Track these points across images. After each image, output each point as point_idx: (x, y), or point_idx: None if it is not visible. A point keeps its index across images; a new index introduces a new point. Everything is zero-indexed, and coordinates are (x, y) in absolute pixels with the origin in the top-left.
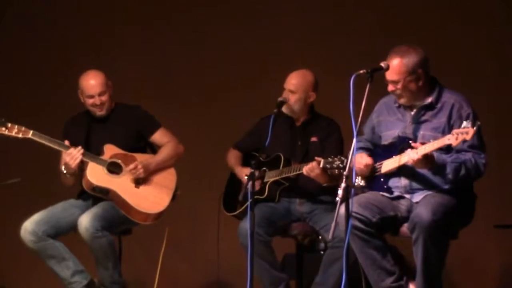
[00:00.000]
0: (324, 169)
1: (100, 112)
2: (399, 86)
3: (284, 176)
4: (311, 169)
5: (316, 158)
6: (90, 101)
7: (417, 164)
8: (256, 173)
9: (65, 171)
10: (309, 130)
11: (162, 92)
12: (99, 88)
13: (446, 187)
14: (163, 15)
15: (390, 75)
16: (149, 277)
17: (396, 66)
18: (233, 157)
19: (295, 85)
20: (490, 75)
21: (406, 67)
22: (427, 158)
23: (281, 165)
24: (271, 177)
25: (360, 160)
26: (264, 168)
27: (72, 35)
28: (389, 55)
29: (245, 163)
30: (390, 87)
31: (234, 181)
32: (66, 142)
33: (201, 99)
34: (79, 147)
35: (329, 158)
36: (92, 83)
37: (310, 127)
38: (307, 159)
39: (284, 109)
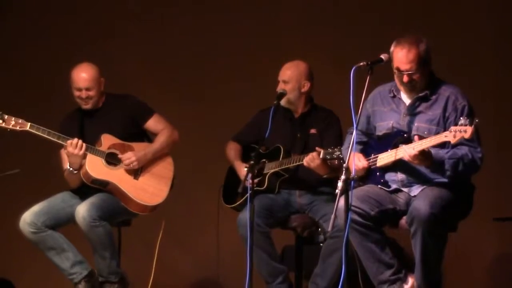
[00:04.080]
0: (324, 160)
1: (85, 106)
2: (417, 76)
3: (283, 167)
4: (311, 159)
5: (316, 148)
6: (77, 93)
7: (413, 160)
8: (256, 166)
9: (71, 168)
10: (308, 122)
11: (162, 83)
12: (87, 83)
13: (442, 180)
14: (161, 8)
15: (408, 65)
16: (149, 269)
17: (415, 55)
18: (232, 149)
19: (288, 75)
20: (490, 66)
21: (424, 55)
22: (424, 154)
23: (281, 157)
24: (270, 168)
25: (357, 161)
26: (264, 160)
27: (71, 28)
28: (399, 45)
29: (244, 155)
30: (405, 78)
31: (233, 173)
32: None
33: (201, 90)
34: (76, 139)
35: (329, 149)
36: (81, 76)
37: (309, 119)
38: (306, 151)
39: (282, 101)
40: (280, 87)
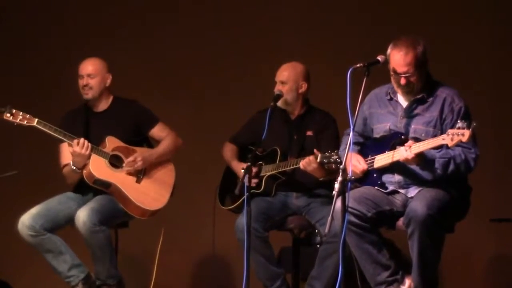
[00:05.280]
0: (321, 164)
1: (85, 96)
2: (414, 78)
3: (280, 170)
4: (308, 163)
5: (314, 151)
6: (80, 82)
7: (408, 162)
8: (253, 168)
9: (74, 167)
10: (304, 123)
11: (158, 85)
12: (90, 70)
13: (439, 181)
14: (161, 8)
15: (405, 67)
16: (146, 271)
17: (412, 57)
18: (229, 151)
19: (285, 76)
20: (488, 68)
21: (421, 57)
22: (419, 156)
23: (278, 159)
24: (267, 171)
25: (357, 164)
26: (261, 162)
27: (71, 28)
28: (397, 47)
29: (241, 157)
30: (403, 81)
31: (230, 175)
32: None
33: (199, 91)
34: (82, 138)
35: (326, 153)
36: (86, 64)
37: (306, 121)
38: (303, 153)
39: (279, 103)
40: (278, 88)
